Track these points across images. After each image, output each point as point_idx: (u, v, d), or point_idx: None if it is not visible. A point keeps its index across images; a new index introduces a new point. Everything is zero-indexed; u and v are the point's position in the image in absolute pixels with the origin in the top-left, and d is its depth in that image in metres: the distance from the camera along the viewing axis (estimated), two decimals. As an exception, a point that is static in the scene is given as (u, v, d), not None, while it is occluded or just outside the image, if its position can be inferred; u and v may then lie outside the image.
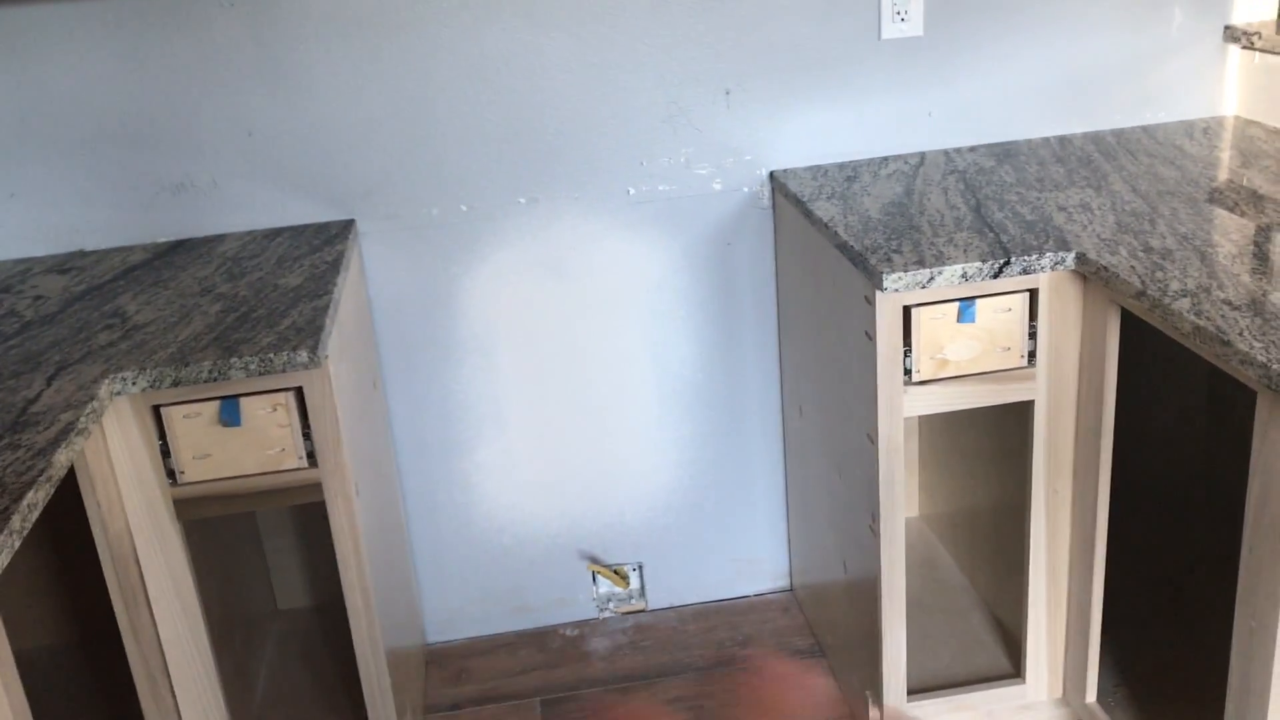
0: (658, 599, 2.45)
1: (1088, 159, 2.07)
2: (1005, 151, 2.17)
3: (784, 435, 2.36)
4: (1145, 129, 2.22)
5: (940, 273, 1.64)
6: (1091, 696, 1.88)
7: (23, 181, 2.00)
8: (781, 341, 2.29)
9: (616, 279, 2.21)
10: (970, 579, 2.24)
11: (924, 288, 1.65)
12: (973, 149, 2.20)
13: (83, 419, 1.37)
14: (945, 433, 2.34)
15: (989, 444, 2.11)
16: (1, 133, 1.97)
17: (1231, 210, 1.75)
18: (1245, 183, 1.88)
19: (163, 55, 1.96)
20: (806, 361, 2.13)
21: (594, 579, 2.42)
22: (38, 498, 1.20)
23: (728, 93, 2.12)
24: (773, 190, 2.19)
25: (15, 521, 1.14)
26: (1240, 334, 1.34)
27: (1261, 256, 1.56)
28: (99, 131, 1.99)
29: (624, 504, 2.38)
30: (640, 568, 2.43)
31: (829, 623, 2.22)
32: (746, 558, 2.45)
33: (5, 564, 1.11)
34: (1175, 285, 1.49)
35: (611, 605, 2.44)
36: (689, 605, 2.45)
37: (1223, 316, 1.39)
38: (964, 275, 1.65)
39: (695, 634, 2.37)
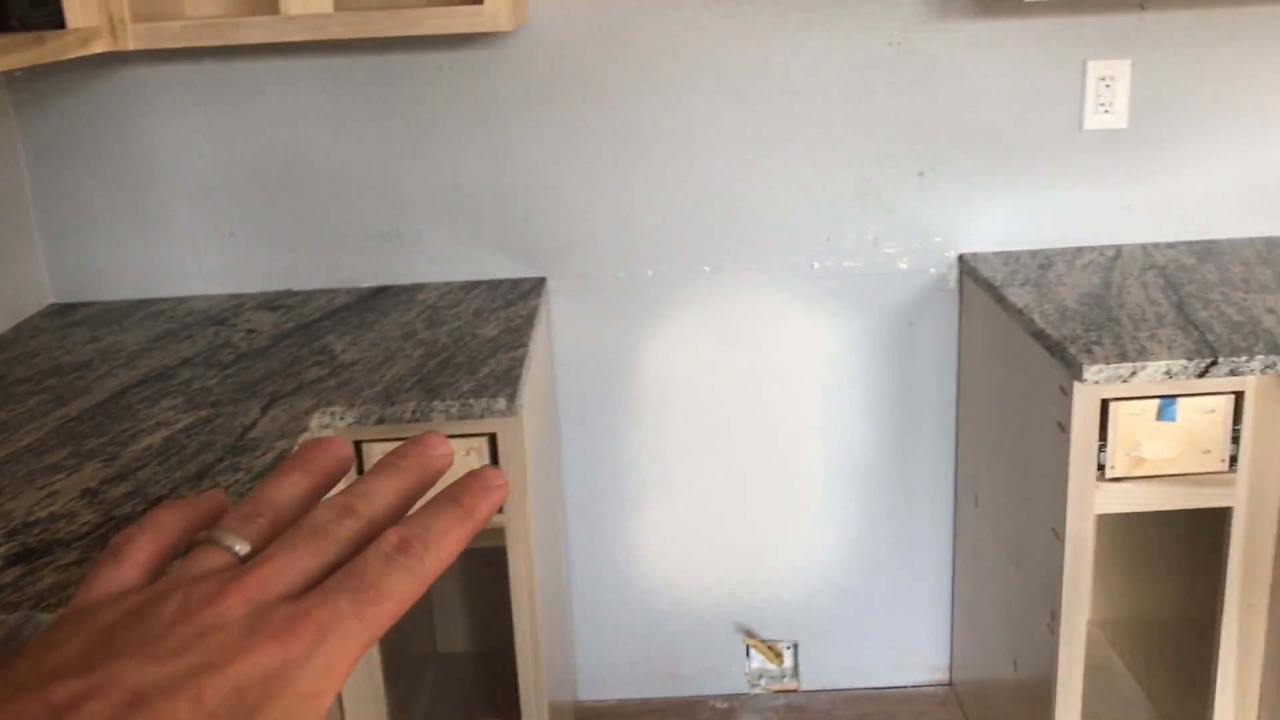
0: (811, 680, 2.41)
1: (1298, 262, 2.00)
2: (1207, 250, 2.10)
3: (955, 523, 2.31)
4: (1361, 235, 2.13)
5: (1143, 368, 1.60)
6: (1281, 829, 1.76)
7: (242, 222, 2.13)
8: (959, 427, 2.25)
9: (794, 352, 2.22)
10: (1146, 690, 2.14)
11: (1124, 382, 1.61)
12: (1172, 245, 2.14)
13: (295, 447, 1.44)
14: (1127, 533, 2.25)
15: (1176, 549, 2.02)
16: (226, 176, 2.11)
17: None
18: None
19: (380, 113, 2.07)
20: (987, 450, 2.09)
21: (748, 652, 2.39)
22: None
23: (921, 174, 2.12)
24: (960, 273, 2.17)
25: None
26: None
27: None
28: (315, 180, 2.11)
29: (783, 579, 2.36)
30: (795, 646, 2.39)
31: (991, 721, 2.14)
32: (906, 647, 2.39)
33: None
34: (1404, 398, 1.42)
35: (763, 681, 2.41)
36: (842, 690, 2.40)
37: None
38: (1168, 373, 1.60)
39: (848, 719, 2.31)
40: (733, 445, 2.27)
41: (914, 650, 2.39)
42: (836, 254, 2.17)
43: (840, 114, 2.09)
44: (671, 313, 2.20)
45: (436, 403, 1.57)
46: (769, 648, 2.38)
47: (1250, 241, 2.14)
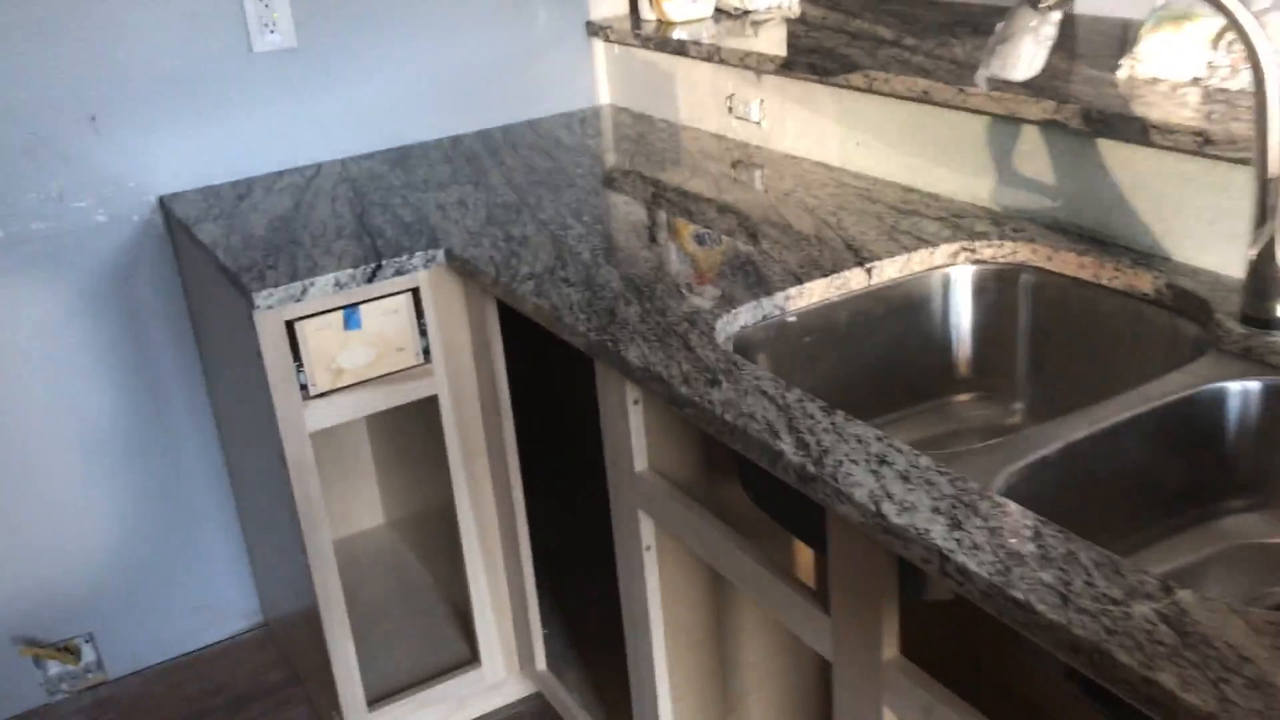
0: (118, 667, 2.26)
1: (474, 156, 2.16)
2: (401, 155, 2.20)
3: (228, 466, 2.27)
4: (530, 123, 2.35)
5: (313, 284, 1.63)
6: (543, 665, 1.97)
7: None
8: (206, 370, 2.19)
9: (3, 333, 2.01)
10: (433, 577, 2.28)
11: (299, 301, 1.64)
12: (370, 155, 2.21)
13: None
14: (397, 434, 2.36)
15: (432, 441, 2.15)
16: None
17: (590, 194, 1.90)
18: (606, 166, 2.04)
19: None
20: (226, 390, 2.06)
21: (37, 662, 2.19)
22: None
23: (93, 118, 1.98)
24: (165, 216, 2.08)
25: None
26: (570, 308, 1.44)
27: (605, 234, 1.70)
28: None
29: (61, 574, 2.17)
30: (92, 637, 2.23)
31: (299, 651, 2.16)
32: (211, 603, 2.32)
33: None
34: (525, 269, 1.59)
35: (65, 686, 2.22)
36: (154, 666, 2.29)
37: (559, 294, 1.49)
38: (338, 283, 1.65)
39: (164, 694, 2.21)
40: (-46, 448, 2.02)
41: (221, 603, 2.34)
42: (21, 217, 1.97)
43: (-22, 63, 1.88)
44: None
45: None
46: (63, 649, 2.20)
47: (440, 142, 2.28)
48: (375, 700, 1.93)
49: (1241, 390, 1.17)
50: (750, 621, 1.60)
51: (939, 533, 0.93)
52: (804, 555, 1.64)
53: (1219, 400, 1.18)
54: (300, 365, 1.69)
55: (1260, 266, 1.20)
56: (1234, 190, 1.32)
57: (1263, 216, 1.18)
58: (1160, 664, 0.76)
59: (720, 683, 1.61)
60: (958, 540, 0.92)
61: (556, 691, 1.95)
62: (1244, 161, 1.29)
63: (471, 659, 2.00)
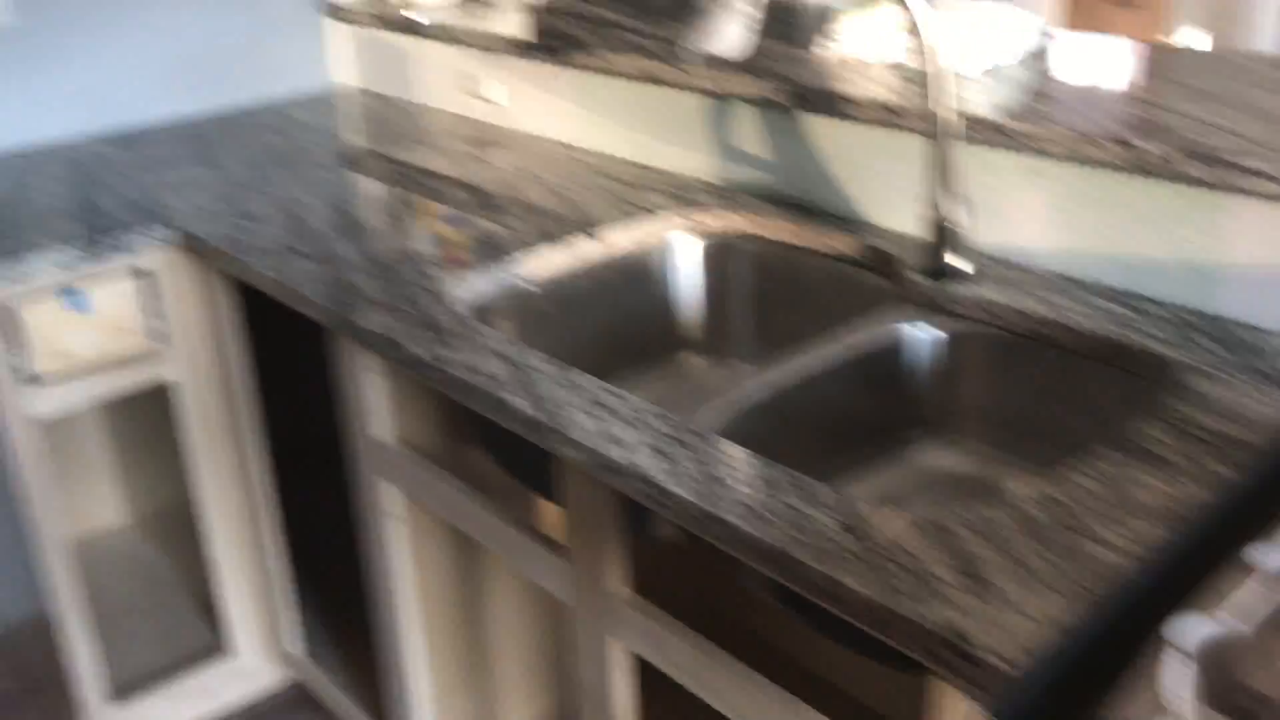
0: None
1: (206, 137, 2.11)
2: (129, 137, 2.13)
3: (-52, 471, 2.13)
4: (267, 104, 2.31)
5: (28, 264, 1.57)
6: (297, 648, 1.96)
7: None
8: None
9: None
10: (182, 571, 2.22)
11: (15, 283, 1.57)
12: (96, 138, 2.13)
13: None
14: (138, 426, 2.28)
15: (174, 430, 2.09)
16: None
17: (329, 173, 1.89)
18: (346, 146, 2.04)
19: None
20: (-59, 385, 1.94)
21: None
22: None
23: None
24: None
25: None
26: (305, 282, 1.45)
27: (344, 212, 1.71)
28: None
29: None
30: None
31: (34, 658, 2.06)
32: (-66, 614, 2.18)
33: None
34: (260, 245, 1.58)
35: None
36: None
37: (295, 268, 1.49)
38: (57, 264, 1.59)
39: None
40: None
41: (-55, 615, 2.20)
42: None
43: None
44: None
45: None
46: None
47: (172, 122, 2.21)
48: (121, 700, 1.87)
49: (920, 335, 1.31)
50: (500, 582, 1.65)
51: (653, 465, 1.01)
52: (550, 513, 1.71)
53: (902, 345, 1.31)
54: (22, 350, 1.62)
55: (936, 225, 1.34)
56: (916, 158, 1.47)
57: (937, 181, 1.32)
58: (835, 561, 0.86)
59: (473, 645, 1.65)
60: (669, 472, 1.00)
61: (314, 674, 1.94)
62: (925, 133, 1.43)
63: (222, 649, 1.96)
